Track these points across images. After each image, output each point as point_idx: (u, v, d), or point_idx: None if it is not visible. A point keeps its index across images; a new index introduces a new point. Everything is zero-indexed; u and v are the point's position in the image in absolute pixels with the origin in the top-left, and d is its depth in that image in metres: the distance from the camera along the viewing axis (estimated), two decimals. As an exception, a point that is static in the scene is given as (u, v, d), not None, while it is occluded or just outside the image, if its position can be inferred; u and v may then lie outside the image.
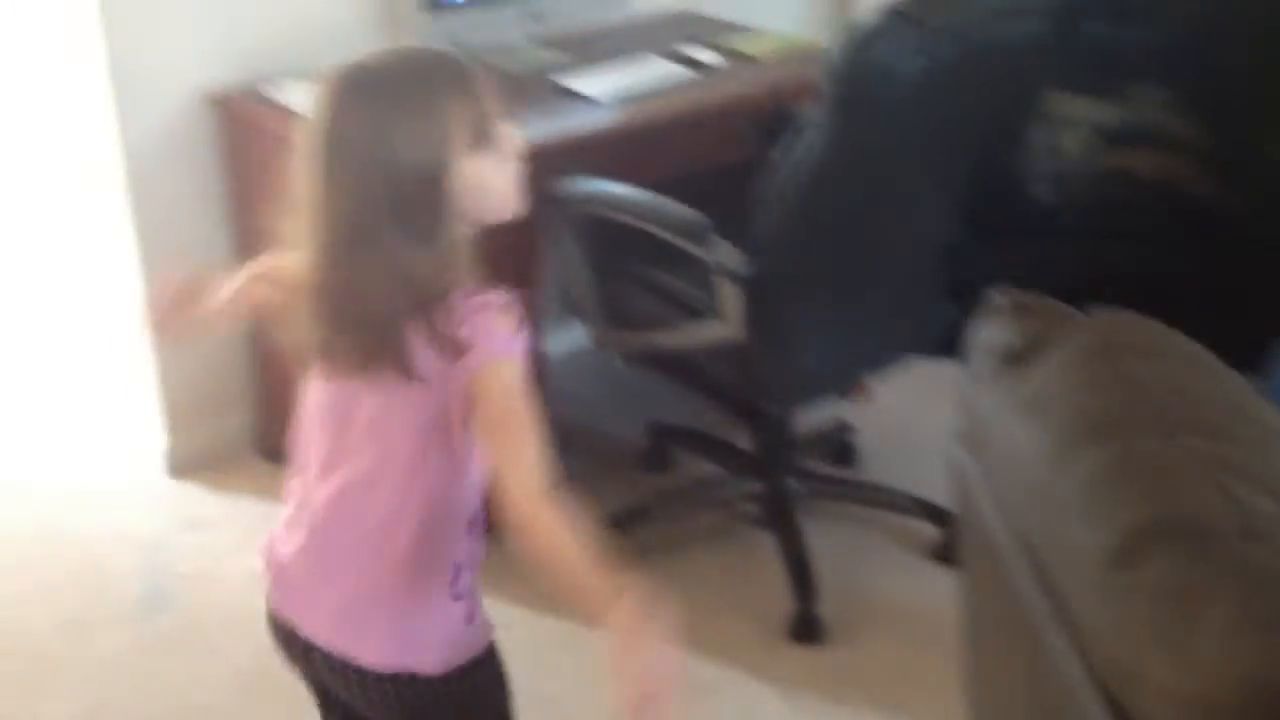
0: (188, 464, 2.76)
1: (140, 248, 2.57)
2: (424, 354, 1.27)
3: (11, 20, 2.73)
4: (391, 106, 1.26)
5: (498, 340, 1.28)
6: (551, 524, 1.23)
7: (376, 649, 1.37)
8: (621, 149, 2.45)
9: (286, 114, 2.40)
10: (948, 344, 2.38)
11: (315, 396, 1.40)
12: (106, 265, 2.68)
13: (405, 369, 1.27)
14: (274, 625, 1.48)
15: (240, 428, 2.82)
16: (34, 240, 3.05)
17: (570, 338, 2.88)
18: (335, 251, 1.26)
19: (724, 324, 2.08)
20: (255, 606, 2.38)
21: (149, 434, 2.76)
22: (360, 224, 1.25)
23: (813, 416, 2.67)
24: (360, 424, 1.34)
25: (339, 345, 1.30)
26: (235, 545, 2.54)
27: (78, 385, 3.00)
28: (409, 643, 1.38)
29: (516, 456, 1.25)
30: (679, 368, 2.34)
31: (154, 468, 2.76)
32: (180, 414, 2.74)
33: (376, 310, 1.26)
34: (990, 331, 1.61)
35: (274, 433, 2.77)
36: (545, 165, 2.31)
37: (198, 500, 2.69)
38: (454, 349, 1.26)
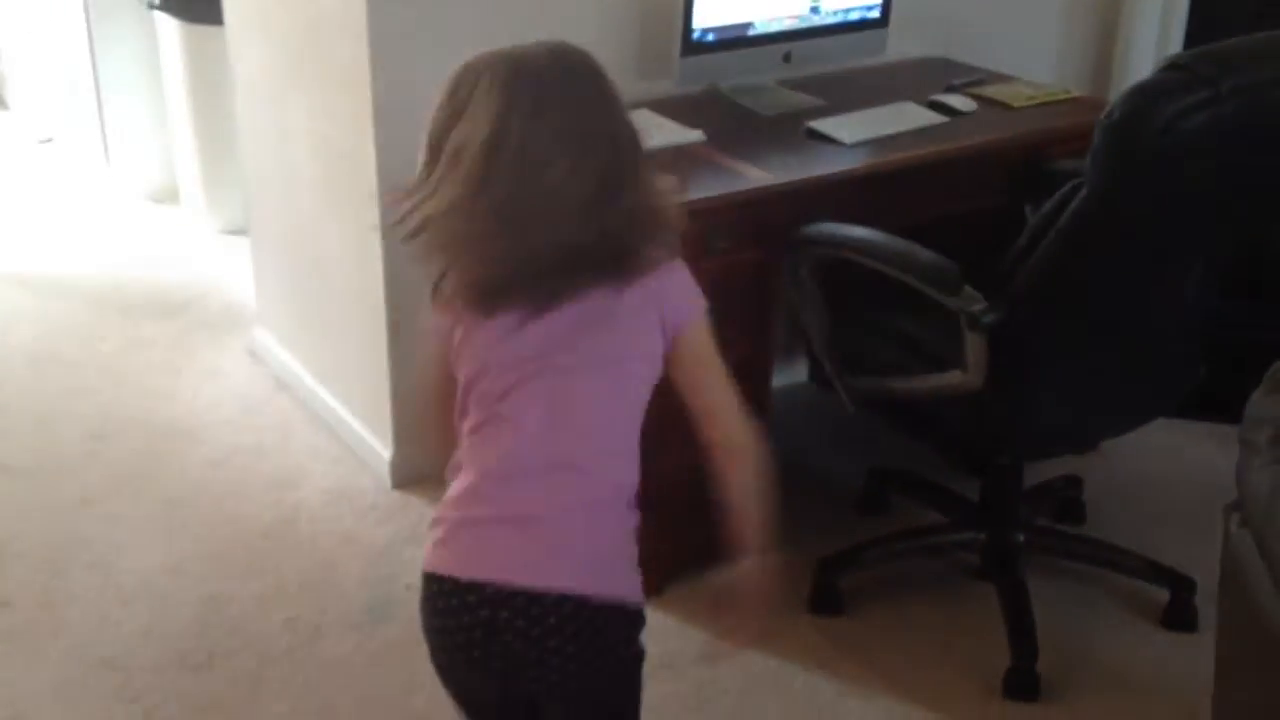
0: (414, 477, 2.83)
1: (387, 268, 2.66)
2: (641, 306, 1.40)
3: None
4: (601, 90, 1.41)
5: (699, 295, 1.45)
6: (756, 453, 1.46)
7: (623, 582, 1.46)
8: (867, 193, 2.43)
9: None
10: (1188, 404, 2.30)
11: (511, 351, 1.42)
12: (357, 281, 2.79)
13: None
14: (449, 593, 1.46)
15: (465, 447, 2.88)
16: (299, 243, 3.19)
17: (792, 373, 2.87)
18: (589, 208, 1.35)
19: (966, 373, 2.03)
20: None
21: (380, 446, 2.85)
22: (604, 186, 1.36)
23: (1041, 469, 2.59)
24: (583, 396, 1.42)
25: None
26: (457, 562, 2.59)
27: (324, 388, 3.11)
28: (633, 572, 1.48)
29: (728, 391, 1.47)
30: (908, 413, 2.30)
31: (384, 479, 2.84)
32: (409, 430, 2.82)
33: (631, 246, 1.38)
34: (1270, 404, 1.52)
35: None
36: (790, 206, 2.32)
37: (421, 513, 2.74)
38: (661, 300, 1.41)
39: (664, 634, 2.37)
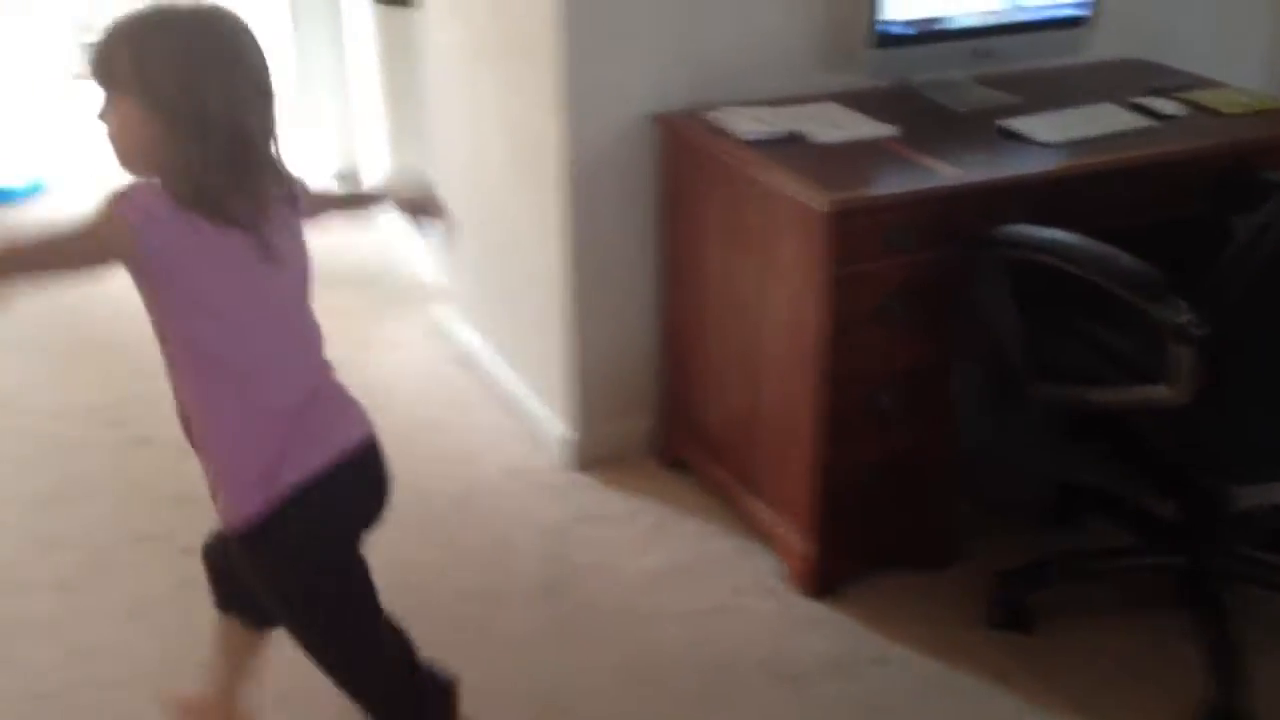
0: (590, 459, 2.89)
1: (574, 249, 2.72)
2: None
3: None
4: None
5: None
6: None
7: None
8: (1061, 196, 2.38)
9: (722, 137, 2.47)
10: None
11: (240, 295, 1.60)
12: (542, 261, 2.85)
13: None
14: (316, 485, 1.66)
15: (642, 432, 2.93)
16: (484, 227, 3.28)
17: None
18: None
19: (1170, 387, 1.97)
20: (646, 605, 2.48)
21: (558, 426, 2.92)
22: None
23: (1250, 494, 2.50)
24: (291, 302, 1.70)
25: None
26: (631, 544, 2.64)
27: (505, 366, 3.19)
28: None
29: None
30: (1104, 426, 2.24)
31: (559, 459, 2.90)
32: (587, 411, 2.88)
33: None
34: None
35: (675, 443, 2.88)
36: (981, 205, 2.29)
37: (597, 495, 2.80)
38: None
39: (838, 633, 2.37)
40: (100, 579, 2.52)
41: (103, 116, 1.54)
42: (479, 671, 2.29)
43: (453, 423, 3.09)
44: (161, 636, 2.36)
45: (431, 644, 2.36)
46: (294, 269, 1.67)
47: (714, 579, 2.53)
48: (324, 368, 1.75)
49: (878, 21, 2.56)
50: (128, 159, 1.55)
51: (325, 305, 3.72)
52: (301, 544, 1.68)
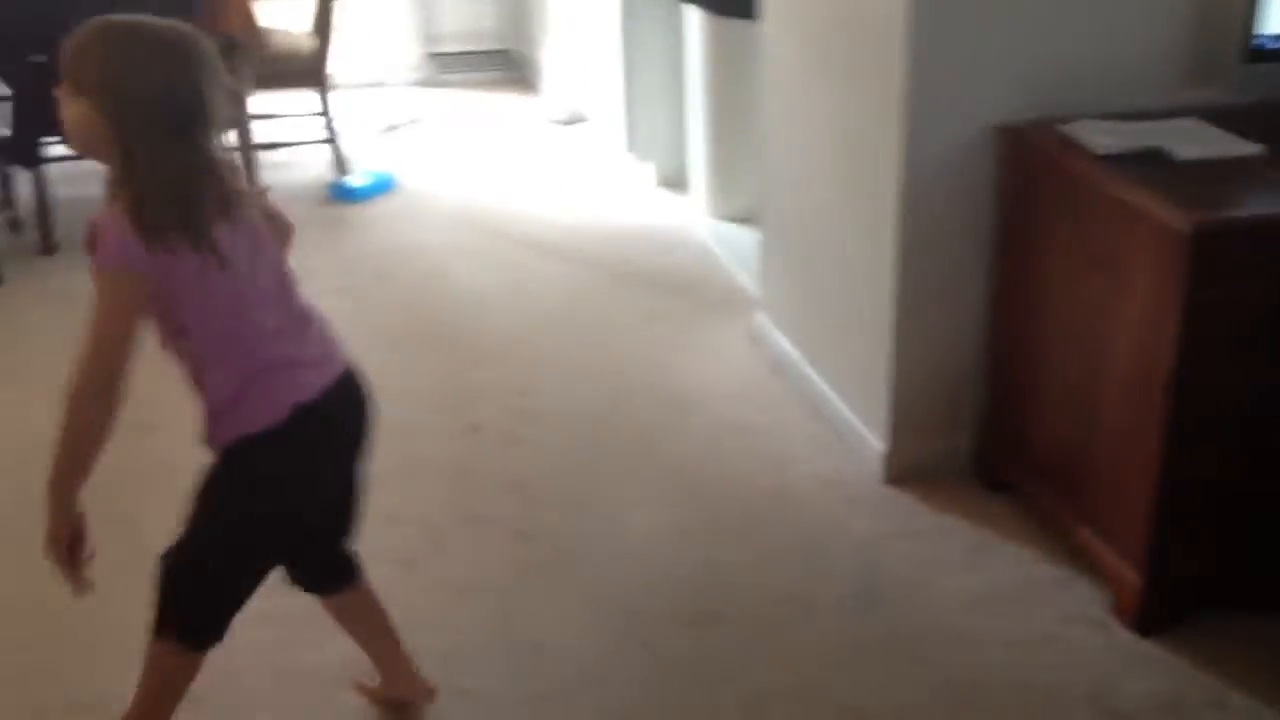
0: (903, 474, 2.86)
1: (902, 262, 2.70)
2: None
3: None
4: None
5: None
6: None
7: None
8: None
9: (1072, 150, 2.40)
10: None
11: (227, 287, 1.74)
12: (868, 273, 2.84)
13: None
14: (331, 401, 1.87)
15: (960, 451, 2.87)
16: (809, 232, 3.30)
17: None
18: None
19: None
20: (966, 626, 2.43)
21: (873, 439, 2.90)
22: None
23: None
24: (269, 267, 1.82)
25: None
26: (948, 561, 2.59)
27: (821, 376, 3.20)
28: None
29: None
30: None
31: (873, 471, 2.89)
32: (903, 426, 2.85)
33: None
34: None
35: (995, 463, 2.81)
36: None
37: (912, 510, 2.77)
38: None
39: (1170, 672, 2.26)
40: (436, 556, 2.67)
41: (61, 102, 1.72)
42: (790, 677, 2.32)
43: (767, 427, 3.12)
44: (488, 614, 2.48)
45: (749, 644, 2.41)
46: (255, 261, 1.79)
47: (1037, 605, 2.46)
48: (304, 317, 1.88)
49: (1253, 35, 2.43)
50: (84, 149, 1.74)
51: (649, 309, 3.87)
52: (281, 470, 1.85)
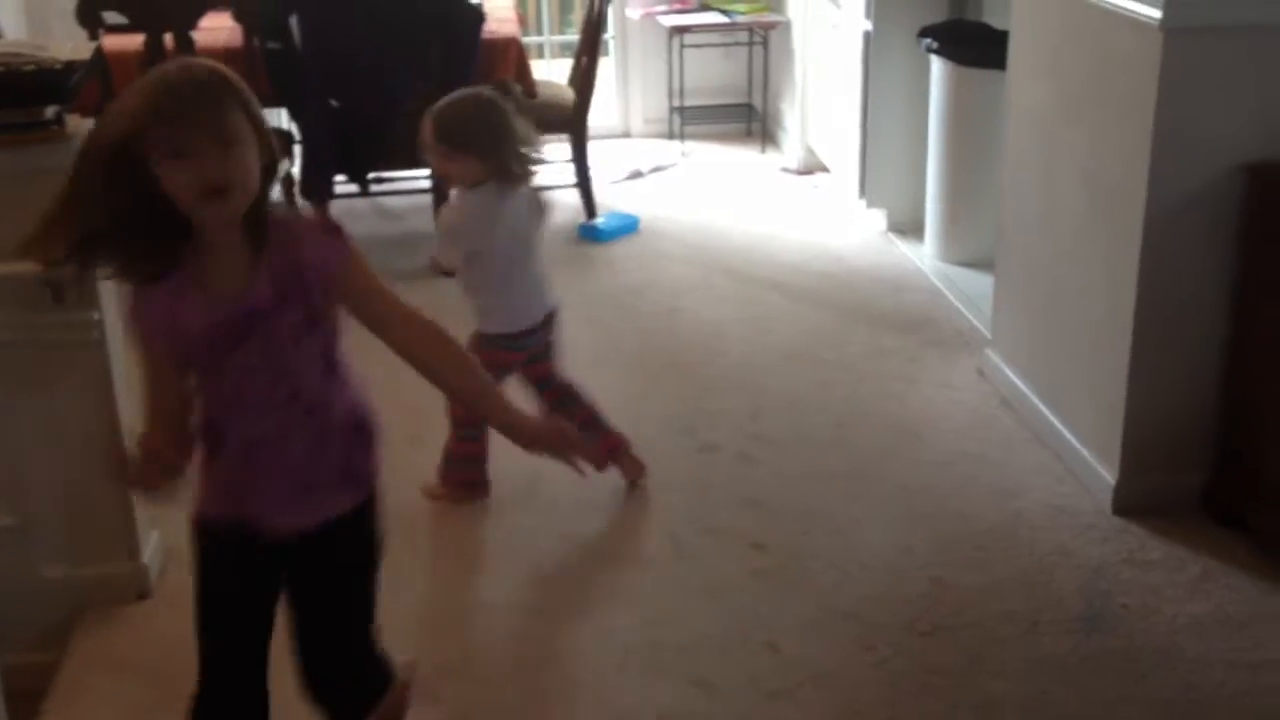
0: (1132, 505, 2.91)
1: (1141, 297, 2.78)
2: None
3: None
4: None
5: None
6: None
7: None
8: None
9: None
10: None
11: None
12: (1106, 309, 2.92)
13: None
14: None
15: (1191, 486, 2.91)
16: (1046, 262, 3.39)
17: None
18: None
19: None
20: (1193, 649, 2.48)
21: (1103, 471, 2.96)
22: None
23: None
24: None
25: None
26: (1178, 590, 2.65)
27: (1051, 410, 3.28)
28: None
29: None
30: None
31: (1103, 503, 2.95)
32: (1135, 460, 2.90)
33: None
34: None
35: (1227, 498, 2.83)
36: None
37: (1142, 541, 2.82)
38: None
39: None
40: (677, 561, 2.87)
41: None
42: (1017, 687, 2.41)
43: (996, 458, 3.22)
44: (726, 615, 2.66)
45: (974, 654, 2.51)
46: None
47: (1264, 632, 2.49)
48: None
49: None
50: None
51: (878, 345, 4.03)
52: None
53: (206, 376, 1.73)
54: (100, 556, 2.65)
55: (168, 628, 2.60)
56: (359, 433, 1.83)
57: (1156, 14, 2.59)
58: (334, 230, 1.75)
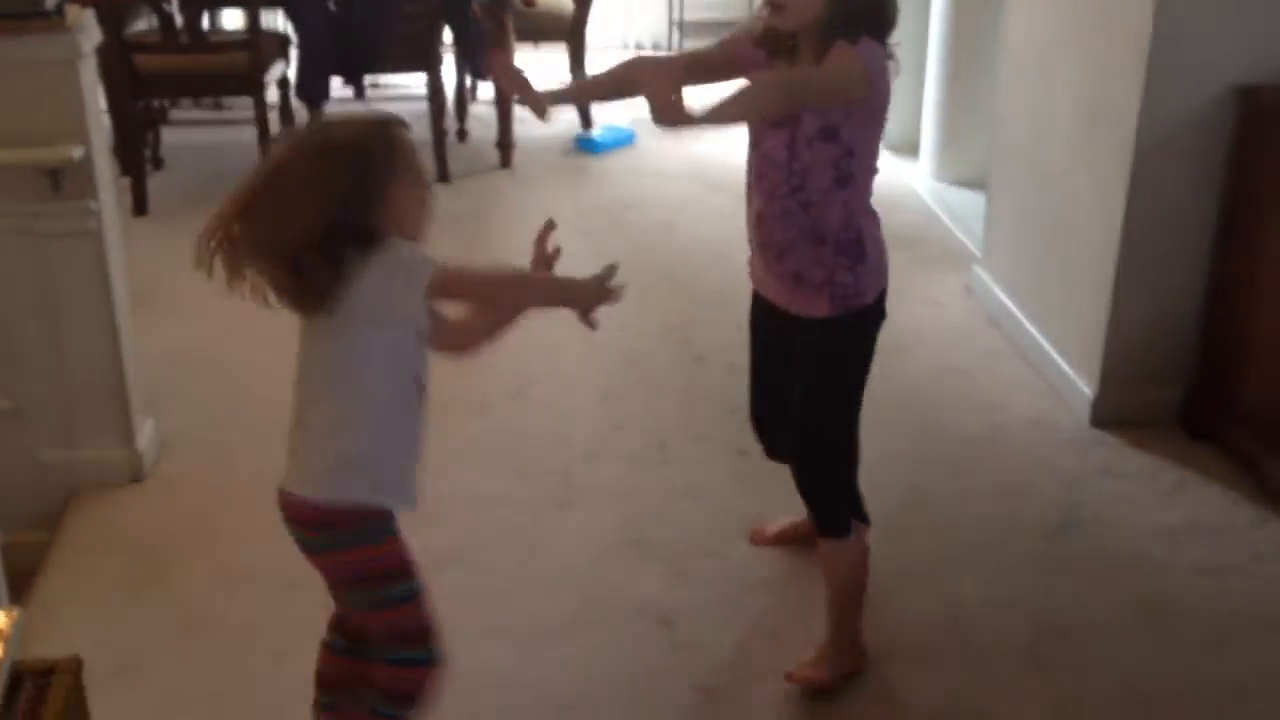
0: (1110, 418, 2.97)
1: (1127, 219, 2.81)
2: None
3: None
4: None
5: None
6: None
7: None
8: None
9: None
10: None
11: None
12: (1092, 230, 2.95)
13: None
14: None
15: (1168, 401, 2.97)
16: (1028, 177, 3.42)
17: None
18: None
19: None
20: (1161, 555, 2.55)
21: (1083, 386, 3.01)
22: None
23: None
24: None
25: None
26: (1150, 500, 2.71)
27: (1036, 327, 3.32)
28: None
29: None
30: None
31: (1082, 416, 3.00)
32: (1115, 375, 2.95)
33: None
34: None
35: (1202, 413, 2.89)
36: None
37: (1118, 453, 2.88)
38: None
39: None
40: (663, 464, 2.92)
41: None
42: (986, 588, 2.47)
43: (978, 372, 3.27)
44: (710, 513, 2.72)
45: (942, 557, 2.57)
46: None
47: (1231, 540, 2.56)
48: None
49: None
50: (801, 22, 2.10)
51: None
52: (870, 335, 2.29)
53: None
54: (95, 441, 2.71)
55: (160, 510, 2.66)
56: None
57: (1154, -66, 2.60)
58: None
